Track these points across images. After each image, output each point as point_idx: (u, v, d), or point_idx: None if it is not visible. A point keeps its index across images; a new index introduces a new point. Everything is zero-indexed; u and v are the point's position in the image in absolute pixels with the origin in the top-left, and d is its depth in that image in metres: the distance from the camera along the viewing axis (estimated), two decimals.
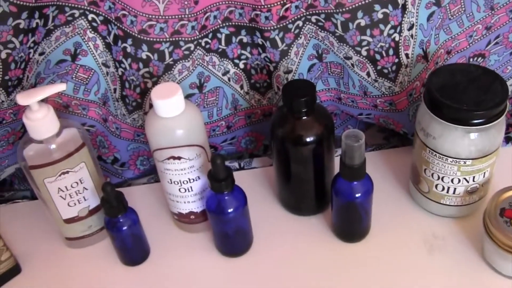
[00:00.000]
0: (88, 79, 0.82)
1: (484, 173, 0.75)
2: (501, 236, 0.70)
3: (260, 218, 0.84)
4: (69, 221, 0.80)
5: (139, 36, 0.77)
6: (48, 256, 0.84)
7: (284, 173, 0.81)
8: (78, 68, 0.81)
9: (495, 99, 0.70)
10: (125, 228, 0.77)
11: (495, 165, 0.76)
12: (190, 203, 0.79)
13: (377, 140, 0.96)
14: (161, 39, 0.77)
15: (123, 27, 0.77)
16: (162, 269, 0.80)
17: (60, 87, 0.71)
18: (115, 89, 0.84)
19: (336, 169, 0.75)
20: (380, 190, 0.84)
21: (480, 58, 0.85)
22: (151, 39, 0.77)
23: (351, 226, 0.79)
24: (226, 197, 0.74)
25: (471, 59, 0.85)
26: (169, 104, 0.70)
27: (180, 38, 0.78)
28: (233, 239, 0.79)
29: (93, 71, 0.82)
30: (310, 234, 0.82)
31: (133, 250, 0.81)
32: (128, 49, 0.78)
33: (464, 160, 0.73)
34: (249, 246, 0.81)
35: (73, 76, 0.82)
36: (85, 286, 0.79)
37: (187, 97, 0.84)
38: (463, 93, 0.71)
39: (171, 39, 0.78)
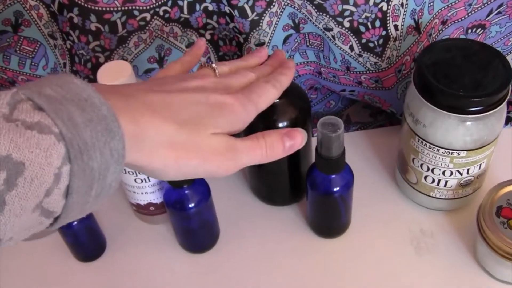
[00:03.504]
0: (34, 52, 0.73)
1: (480, 164, 0.66)
2: (495, 240, 0.62)
3: (228, 207, 0.76)
4: None
5: (85, 5, 0.66)
6: None
7: None
8: (21, 39, 0.72)
9: (496, 82, 0.60)
10: (75, 223, 0.68)
11: (493, 153, 0.67)
12: (148, 194, 0.71)
13: (362, 118, 0.86)
14: (111, 8, 0.67)
15: None
16: (120, 264, 0.72)
17: None
18: (64, 64, 0.74)
19: (313, 153, 0.66)
20: (363, 177, 0.75)
21: (479, 29, 0.75)
22: (100, 8, 0.67)
23: (328, 221, 0.71)
24: (186, 191, 0.66)
25: (469, 30, 0.75)
26: None
27: (133, 7, 0.67)
28: (196, 233, 0.71)
29: (39, 43, 0.72)
30: (283, 226, 0.74)
31: (87, 245, 0.72)
32: (75, 20, 0.68)
33: (458, 152, 0.63)
34: (216, 240, 0.73)
35: (17, 49, 0.72)
36: (36, 281, 0.72)
37: (147, 72, 0.74)
38: (459, 74, 0.62)
39: (123, 8, 0.67)
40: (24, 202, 0.33)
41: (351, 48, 0.71)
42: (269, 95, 0.51)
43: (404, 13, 0.69)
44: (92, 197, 0.37)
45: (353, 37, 0.69)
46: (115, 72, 0.61)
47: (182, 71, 0.54)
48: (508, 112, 0.80)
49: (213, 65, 0.52)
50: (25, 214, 0.34)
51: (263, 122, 0.65)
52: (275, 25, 0.71)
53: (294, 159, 0.70)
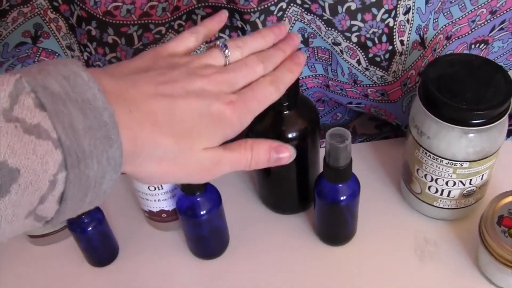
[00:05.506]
0: None
1: (482, 175, 0.68)
2: (497, 248, 0.64)
3: (238, 215, 0.78)
4: None
5: (104, 19, 0.69)
6: (11, 253, 0.77)
7: (264, 171, 0.74)
8: (40, 51, 0.74)
9: (498, 96, 0.63)
10: (90, 228, 0.71)
11: (495, 164, 0.69)
12: (161, 201, 0.73)
13: (368, 129, 0.89)
14: (128, 22, 0.70)
15: (86, 8, 0.69)
16: (132, 269, 0.74)
17: None
18: None
19: (321, 163, 0.68)
20: (369, 187, 0.78)
21: (482, 44, 0.77)
22: (117, 21, 0.69)
23: (335, 229, 0.73)
24: (198, 199, 0.68)
25: (472, 46, 0.77)
26: None
27: (149, 21, 0.70)
28: (207, 240, 0.73)
29: (57, 54, 0.75)
30: (291, 234, 0.76)
31: (100, 251, 0.74)
32: (93, 32, 0.71)
33: (460, 163, 0.66)
34: (225, 247, 0.75)
35: (35, 60, 0.74)
36: (50, 285, 0.74)
37: None
38: (462, 88, 0.64)
39: (139, 22, 0.70)
40: (17, 209, 0.33)
41: (358, 62, 0.73)
42: (269, 98, 0.50)
43: (410, 28, 0.71)
44: (86, 203, 0.37)
45: (361, 51, 0.72)
46: None
47: (195, 47, 0.52)
48: (509, 125, 0.82)
49: (227, 52, 0.49)
50: (17, 221, 0.34)
51: (273, 132, 0.68)
52: None
53: (303, 169, 0.72)
